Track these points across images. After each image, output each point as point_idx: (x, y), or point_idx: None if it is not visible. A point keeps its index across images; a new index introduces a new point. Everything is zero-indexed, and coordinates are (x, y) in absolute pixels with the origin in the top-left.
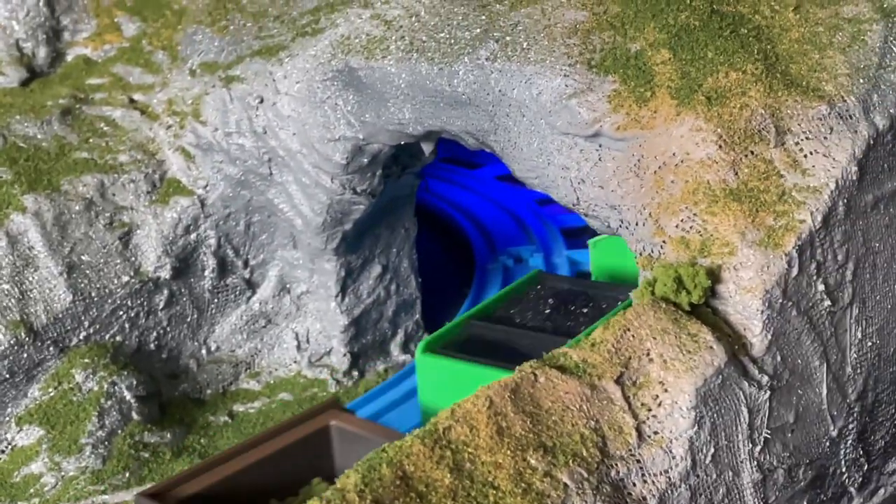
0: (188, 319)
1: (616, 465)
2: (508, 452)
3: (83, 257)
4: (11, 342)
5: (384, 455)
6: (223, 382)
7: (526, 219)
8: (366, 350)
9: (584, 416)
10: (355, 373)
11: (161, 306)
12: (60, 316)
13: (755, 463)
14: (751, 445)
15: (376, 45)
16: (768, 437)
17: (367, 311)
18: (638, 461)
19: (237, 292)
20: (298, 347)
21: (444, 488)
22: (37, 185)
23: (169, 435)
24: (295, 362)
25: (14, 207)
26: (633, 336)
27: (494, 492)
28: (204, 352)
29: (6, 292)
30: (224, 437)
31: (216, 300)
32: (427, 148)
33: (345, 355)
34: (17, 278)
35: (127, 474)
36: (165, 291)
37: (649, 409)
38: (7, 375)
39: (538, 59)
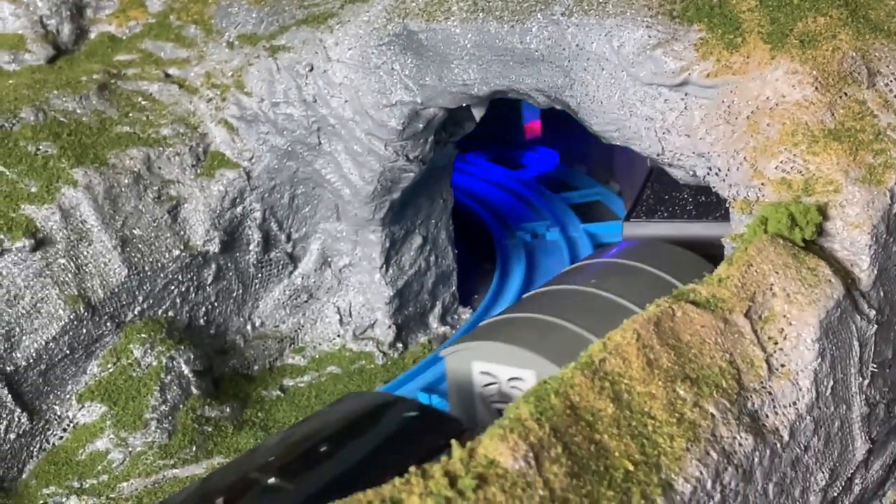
0: (234, 294)
1: (751, 396)
2: (660, 383)
3: (135, 231)
4: (71, 317)
5: (549, 386)
6: (269, 358)
7: (529, 197)
8: (408, 322)
9: (719, 348)
10: (399, 345)
11: (209, 281)
12: (116, 290)
13: (863, 397)
14: (860, 379)
15: (436, 8)
16: (874, 370)
17: (410, 283)
18: (769, 393)
19: (280, 266)
20: (341, 321)
21: (608, 417)
22: (84, 158)
23: (228, 409)
24: (338, 336)
25: (64, 181)
26: (756, 271)
27: (652, 421)
28: (249, 328)
29: (63, 266)
30: (280, 411)
31: (260, 275)
32: (478, 113)
33: (389, 327)
34: (72, 252)
35: (193, 448)
36: (213, 266)
37: (776, 343)
38: (67, 351)
39: (617, 12)
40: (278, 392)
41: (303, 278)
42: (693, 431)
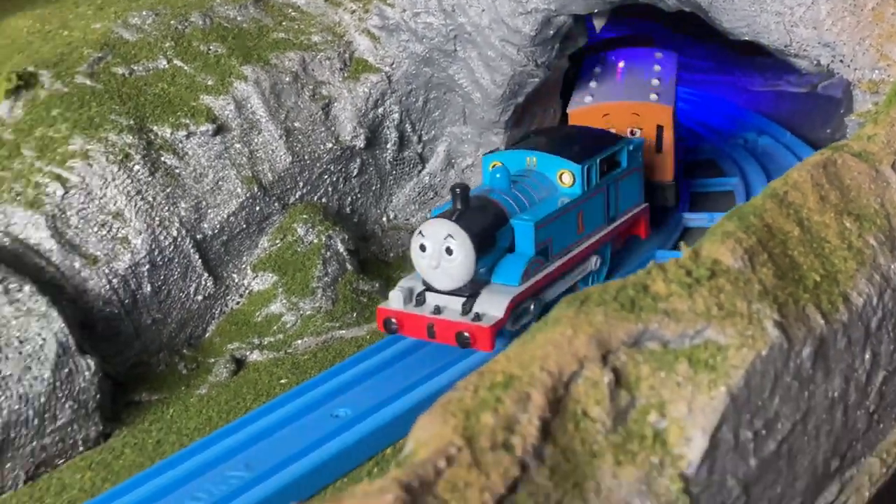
0: (373, 188)
1: None
2: (831, 215)
3: (295, 124)
4: (247, 195)
5: (747, 209)
6: (402, 247)
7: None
8: None
9: (872, 193)
10: None
11: (354, 174)
12: (282, 175)
13: None
14: None
15: None
16: None
17: None
18: None
19: (411, 165)
20: None
21: (795, 238)
22: (249, 58)
23: (377, 284)
24: None
25: (236, 76)
26: None
27: (828, 244)
28: (385, 219)
29: (238, 151)
30: None
31: (394, 172)
32: (598, 23)
33: None
34: (245, 139)
35: (354, 314)
36: (358, 160)
37: None
38: (244, 225)
39: None
40: None
41: (430, 177)
42: (860, 257)
